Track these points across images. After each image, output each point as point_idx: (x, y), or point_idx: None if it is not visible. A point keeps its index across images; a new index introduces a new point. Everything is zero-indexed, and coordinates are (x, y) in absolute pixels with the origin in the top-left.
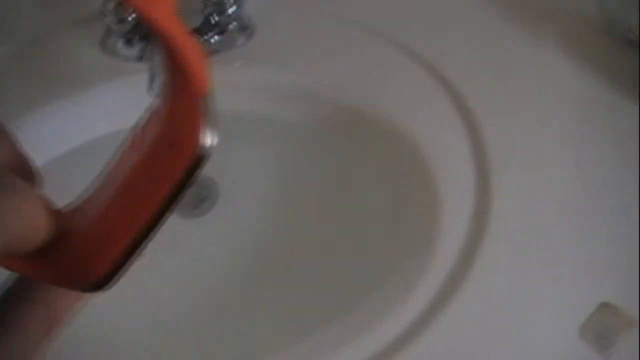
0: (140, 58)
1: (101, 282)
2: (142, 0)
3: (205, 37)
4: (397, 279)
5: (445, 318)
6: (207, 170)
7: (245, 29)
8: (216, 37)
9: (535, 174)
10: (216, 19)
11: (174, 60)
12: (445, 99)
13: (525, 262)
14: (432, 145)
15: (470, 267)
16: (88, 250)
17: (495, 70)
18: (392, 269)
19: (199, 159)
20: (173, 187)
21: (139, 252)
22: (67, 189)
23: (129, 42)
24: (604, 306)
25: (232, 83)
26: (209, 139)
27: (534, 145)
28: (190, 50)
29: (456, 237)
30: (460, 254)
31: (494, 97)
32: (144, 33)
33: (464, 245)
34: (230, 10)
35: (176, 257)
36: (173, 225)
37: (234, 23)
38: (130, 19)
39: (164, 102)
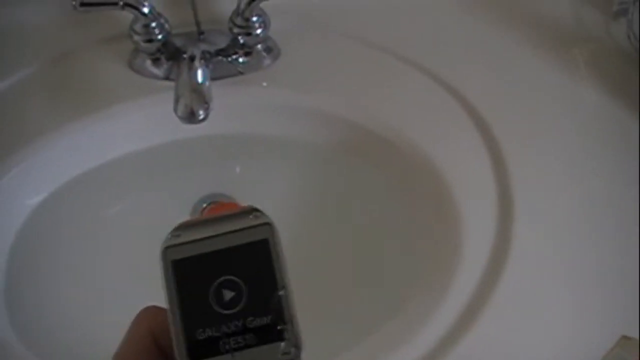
0: (167, 77)
1: None
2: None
3: (232, 58)
4: (415, 305)
5: (463, 346)
6: (226, 188)
7: (271, 50)
8: (243, 58)
9: (559, 202)
10: (243, 40)
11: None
12: (468, 124)
13: (545, 293)
14: (454, 171)
15: (489, 295)
16: None
17: (521, 96)
18: (410, 295)
19: None
20: None
21: None
22: (92, 206)
23: (156, 61)
24: (625, 339)
25: (257, 103)
26: None
27: (558, 172)
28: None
29: (477, 264)
30: (480, 282)
31: (518, 123)
32: (170, 53)
33: (484, 272)
34: (257, 32)
35: None
36: None
37: (260, 45)
38: (158, 38)
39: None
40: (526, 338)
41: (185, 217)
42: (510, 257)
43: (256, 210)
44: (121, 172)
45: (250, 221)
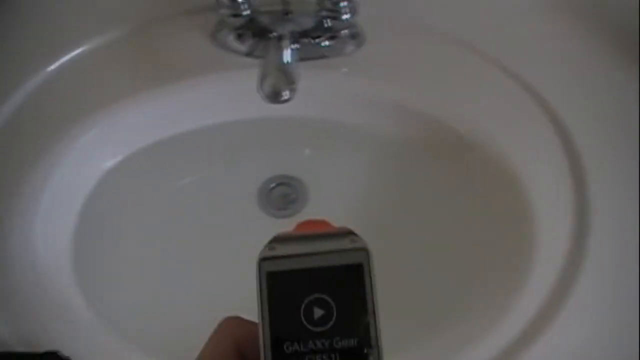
0: (249, 54)
1: None
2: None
3: (316, 41)
4: (484, 309)
5: (532, 353)
6: (294, 171)
7: (356, 37)
8: (327, 42)
9: (637, 212)
10: (329, 23)
11: None
12: (548, 128)
13: (619, 303)
14: (531, 175)
15: (562, 302)
16: None
17: (603, 104)
18: (479, 297)
19: None
20: None
21: None
22: (163, 174)
23: (240, 36)
24: None
25: (335, 89)
26: None
27: (637, 182)
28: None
29: (550, 270)
30: (552, 289)
31: (599, 131)
32: (255, 29)
33: (557, 278)
34: (344, 17)
35: None
36: (261, 225)
37: (346, 30)
38: (244, 13)
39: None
40: (597, 348)
41: (250, 198)
42: (585, 265)
43: (353, 233)
44: (194, 145)
45: (348, 244)
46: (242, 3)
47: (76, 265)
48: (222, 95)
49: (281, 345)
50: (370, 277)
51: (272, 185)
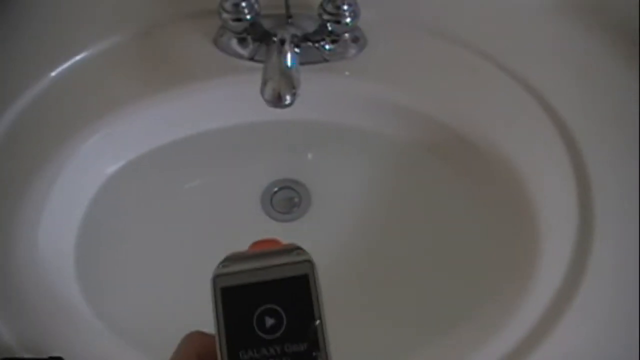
0: (251, 58)
1: None
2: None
3: (319, 44)
4: (488, 312)
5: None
6: (298, 174)
7: (358, 40)
8: (329, 45)
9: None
10: (331, 27)
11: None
12: (554, 133)
13: (623, 307)
14: (536, 180)
15: (565, 308)
16: None
17: (608, 107)
18: (483, 302)
19: None
20: None
21: None
22: (166, 179)
23: (242, 41)
24: None
25: (337, 92)
26: None
27: None
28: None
29: (554, 275)
30: (556, 294)
31: (604, 135)
32: (258, 34)
33: (561, 285)
34: (346, 21)
35: None
36: (264, 229)
37: (348, 34)
38: (247, 17)
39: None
40: (602, 351)
41: (254, 202)
42: (589, 268)
43: (299, 248)
44: (196, 149)
45: (293, 257)
46: (244, 7)
47: (80, 271)
48: (224, 100)
49: (237, 354)
50: (315, 286)
51: (276, 189)
